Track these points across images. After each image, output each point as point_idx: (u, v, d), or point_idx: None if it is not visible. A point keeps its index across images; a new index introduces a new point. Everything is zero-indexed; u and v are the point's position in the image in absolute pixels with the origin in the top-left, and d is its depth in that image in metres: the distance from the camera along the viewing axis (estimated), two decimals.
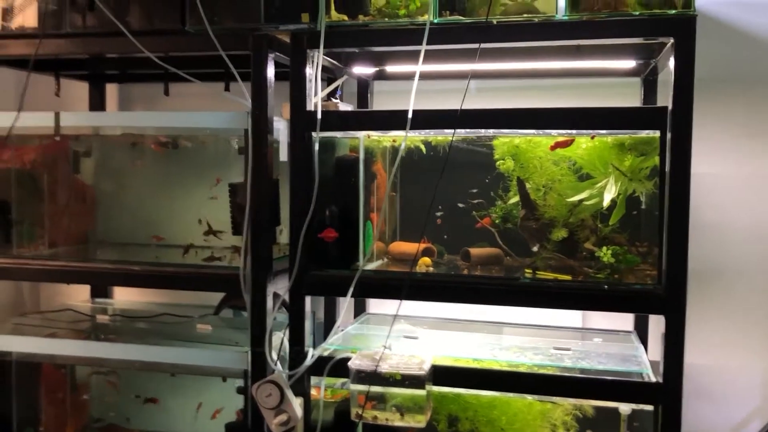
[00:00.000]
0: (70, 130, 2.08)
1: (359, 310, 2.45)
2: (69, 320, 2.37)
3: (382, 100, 2.43)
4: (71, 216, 2.39)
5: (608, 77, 2.22)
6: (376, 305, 2.47)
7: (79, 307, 2.54)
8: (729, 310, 2.19)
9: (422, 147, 1.96)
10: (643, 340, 2.12)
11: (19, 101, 1.97)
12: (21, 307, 2.72)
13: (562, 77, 2.24)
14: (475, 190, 1.94)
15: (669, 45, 1.64)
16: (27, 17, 2.01)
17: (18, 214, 2.21)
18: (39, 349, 2.10)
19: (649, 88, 2.12)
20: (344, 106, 2.04)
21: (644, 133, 1.75)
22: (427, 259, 1.94)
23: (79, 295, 2.72)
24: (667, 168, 1.59)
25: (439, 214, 1.97)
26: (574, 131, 1.76)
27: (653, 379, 1.67)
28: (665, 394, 1.60)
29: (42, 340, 2.11)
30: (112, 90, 2.72)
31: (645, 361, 1.84)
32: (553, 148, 1.81)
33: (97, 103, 2.65)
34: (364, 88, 2.40)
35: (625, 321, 2.24)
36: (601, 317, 2.27)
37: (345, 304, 2.18)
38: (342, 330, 2.17)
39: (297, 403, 1.78)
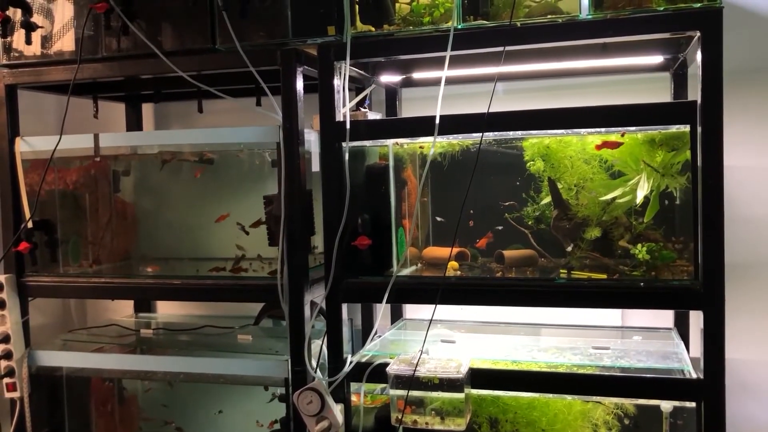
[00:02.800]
0: (109, 150, 2.14)
1: (396, 315, 2.47)
2: (114, 335, 2.44)
3: (410, 107, 2.45)
4: (113, 234, 2.46)
5: (637, 73, 2.21)
6: (412, 311, 2.48)
7: (123, 322, 2.61)
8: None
9: (456, 147, 1.96)
10: (684, 337, 2.10)
11: (61, 125, 2.04)
12: (69, 323, 2.81)
13: (590, 76, 2.24)
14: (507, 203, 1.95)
15: (696, 38, 1.62)
16: (65, 43, 2.09)
17: (63, 234, 2.28)
18: (88, 363, 2.17)
19: (679, 82, 2.11)
20: (373, 115, 2.07)
21: (674, 128, 1.74)
22: (455, 263, 1.94)
23: (123, 310, 2.80)
24: (699, 162, 1.58)
25: (471, 221, 1.98)
26: (603, 129, 1.75)
27: (694, 376, 1.65)
28: (707, 391, 1.58)
29: (91, 355, 2.17)
30: (148, 109, 2.80)
31: (685, 357, 1.82)
32: (599, 147, 1.79)
33: (133, 122, 2.73)
34: (392, 96, 2.42)
35: (665, 318, 2.22)
36: (640, 315, 2.25)
37: (381, 310, 2.20)
38: (379, 336, 2.20)
39: (338, 410, 1.81)
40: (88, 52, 2.04)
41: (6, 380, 2.12)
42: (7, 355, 2.12)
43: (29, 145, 2.13)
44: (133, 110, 2.73)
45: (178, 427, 2.42)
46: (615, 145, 1.77)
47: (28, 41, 2.07)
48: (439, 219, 2.06)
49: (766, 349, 2.16)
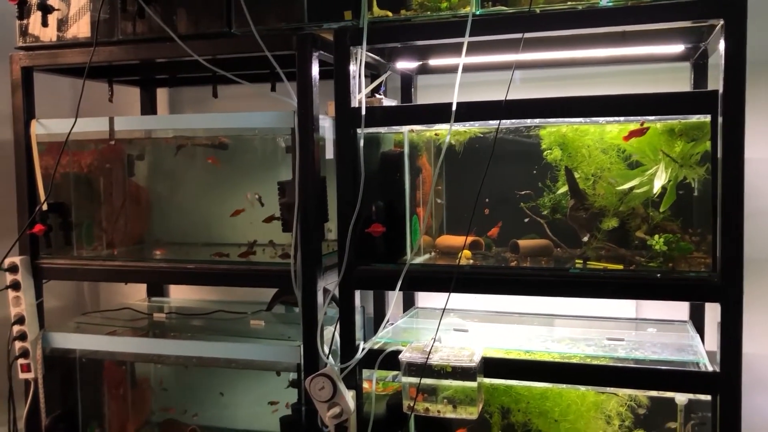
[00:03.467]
0: (124, 134, 2.14)
1: (408, 304, 2.46)
2: (128, 318, 2.45)
3: (426, 95, 2.43)
4: (127, 218, 2.46)
5: (656, 63, 2.18)
6: (424, 299, 2.48)
7: (136, 305, 2.62)
8: None
9: (472, 135, 1.94)
10: (700, 330, 2.08)
11: (76, 107, 2.04)
12: (83, 307, 2.83)
13: (609, 65, 2.21)
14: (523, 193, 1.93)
15: (719, 27, 1.60)
16: (81, 27, 2.09)
17: (77, 217, 2.29)
18: (101, 346, 2.18)
19: (699, 72, 2.07)
20: (388, 102, 2.06)
21: (694, 118, 1.71)
22: (468, 252, 1.93)
23: (136, 294, 2.81)
24: (719, 153, 1.56)
25: (486, 209, 1.97)
26: (622, 118, 1.73)
27: (710, 369, 1.63)
28: (723, 384, 1.56)
29: (104, 337, 2.18)
30: (162, 94, 2.80)
31: (701, 350, 1.81)
32: (627, 138, 1.77)
33: (148, 107, 2.73)
34: (407, 82, 2.41)
35: (680, 310, 2.20)
36: (655, 307, 2.24)
37: (394, 298, 2.19)
38: (392, 324, 2.19)
39: (349, 396, 1.81)
40: (103, 36, 2.04)
41: (21, 361, 2.14)
42: (22, 337, 2.13)
43: (45, 128, 2.13)
44: (148, 94, 2.73)
45: (194, 414, 2.43)
46: (642, 132, 1.74)
47: (45, 23, 2.07)
48: (438, 201, 2.04)
49: None
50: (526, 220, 1.94)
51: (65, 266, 2.17)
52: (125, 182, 2.46)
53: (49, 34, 2.11)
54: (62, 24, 2.10)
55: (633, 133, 1.74)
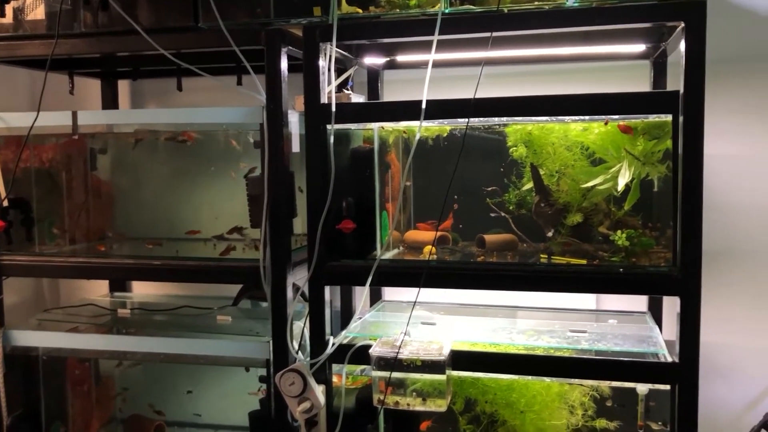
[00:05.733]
0: (87, 128, 2.11)
1: (375, 298, 2.48)
2: (91, 315, 2.41)
3: (392, 90, 2.45)
4: (90, 213, 2.42)
5: (617, 60, 2.23)
6: (391, 293, 2.50)
7: (99, 301, 2.58)
8: (741, 289, 2.22)
9: (444, 131, 1.96)
10: (658, 320, 2.15)
11: (38, 101, 1.99)
12: (42, 303, 2.77)
13: (570, 62, 2.26)
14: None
15: (680, 28, 1.65)
16: (37, 15, 2.03)
17: (38, 212, 2.24)
18: (65, 343, 2.15)
19: (659, 70, 2.13)
20: (356, 97, 2.06)
21: (655, 117, 1.77)
22: (430, 247, 1.96)
23: (97, 290, 2.77)
24: (680, 151, 1.61)
25: (455, 203, 1.99)
26: (587, 117, 1.77)
27: (669, 359, 1.70)
28: (682, 374, 1.62)
29: (68, 335, 2.15)
30: (124, 86, 2.74)
31: (660, 341, 1.87)
32: (624, 129, 1.80)
33: (109, 100, 2.68)
34: (374, 78, 2.41)
35: (638, 302, 2.27)
36: (615, 299, 2.30)
37: (364, 293, 2.21)
38: (360, 318, 2.21)
39: (319, 391, 1.82)
40: (65, 27, 1.99)
41: None
42: None
43: (3, 122, 2.08)
44: (109, 87, 2.68)
45: (157, 411, 2.41)
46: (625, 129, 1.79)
47: (2, 13, 2.01)
48: (408, 183, 2.06)
49: (734, 333, 2.22)
50: (493, 215, 1.98)
51: (27, 263, 2.13)
52: (88, 177, 2.42)
53: (6, 26, 2.05)
54: (20, 14, 2.05)
55: (625, 129, 1.79)
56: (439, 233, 1.99)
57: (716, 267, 2.20)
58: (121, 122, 2.19)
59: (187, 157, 2.40)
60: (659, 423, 1.82)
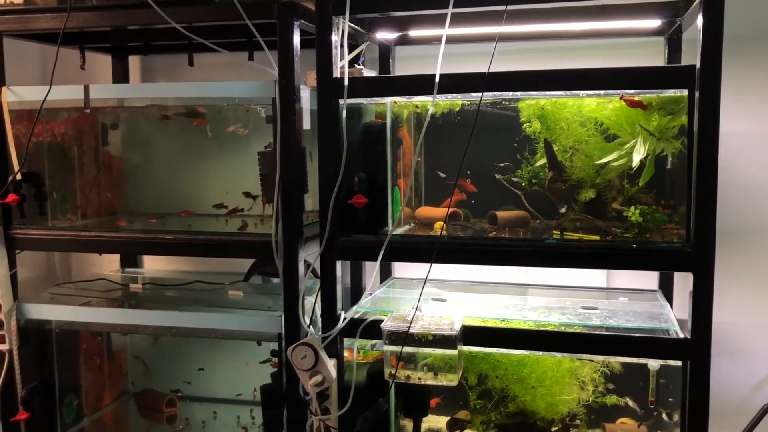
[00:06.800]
0: (98, 102, 2.10)
1: (385, 274, 2.48)
2: (103, 289, 2.43)
3: (404, 65, 2.43)
4: (101, 188, 2.43)
5: (632, 37, 2.21)
6: (400, 269, 2.50)
7: (111, 276, 2.59)
8: (753, 268, 2.21)
9: (453, 107, 1.95)
10: (668, 298, 2.15)
11: (50, 76, 1.99)
12: (53, 278, 2.79)
13: (585, 38, 2.23)
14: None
15: (696, 3, 1.62)
16: None
17: (51, 187, 2.25)
18: (78, 317, 2.16)
19: (674, 46, 2.11)
20: (367, 73, 2.05)
21: (671, 92, 1.75)
22: (440, 223, 1.96)
23: (109, 265, 2.78)
24: (695, 127, 1.60)
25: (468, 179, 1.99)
26: (602, 91, 1.76)
27: (681, 336, 1.70)
28: (694, 350, 1.62)
29: (80, 308, 2.16)
30: (134, 61, 2.74)
31: (672, 318, 1.87)
32: (632, 104, 1.79)
33: (120, 75, 2.68)
34: (385, 54, 2.40)
35: (649, 280, 2.26)
36: (625, 276, 2.30)
37: (374, 269, 2.21)
38: (370, 293, 2.22)
39: (331, 365, 1.83)
40: (77, 1, 1.98)
41: None
42: None
43: (16, 95, 2.08)
44: (120, 62, 2.67)
45: (174, 389, 2.44)
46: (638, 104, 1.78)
47: None
48: (441, 174, 2.06)
49: (745, 312, 2.22)
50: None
51: (39, 237, 2.14)
52: (99, 152, 2.42)
53: None
54: None
55: (633, 104, 1.77)
56: (450, 210, 1.98)
57: (729, 247, 2.19)
58: (132, 96, 2.18)
59: (198, 133, 2.39)
60: (666, 411, 1.83)
